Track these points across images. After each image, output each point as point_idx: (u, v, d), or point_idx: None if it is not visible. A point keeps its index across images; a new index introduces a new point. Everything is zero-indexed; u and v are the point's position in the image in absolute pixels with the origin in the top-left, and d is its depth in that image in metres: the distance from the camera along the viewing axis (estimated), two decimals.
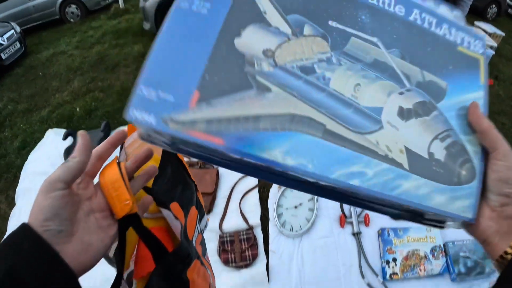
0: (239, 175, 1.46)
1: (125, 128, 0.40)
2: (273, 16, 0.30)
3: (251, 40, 0.29)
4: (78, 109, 2.29)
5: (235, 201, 1.44)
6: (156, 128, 0.26)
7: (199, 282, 0.44)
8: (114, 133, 0.36)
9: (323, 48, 0.30)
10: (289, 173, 0.26)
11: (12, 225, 1.48)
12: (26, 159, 1.76)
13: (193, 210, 0.53)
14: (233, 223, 1.37)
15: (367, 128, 0.28)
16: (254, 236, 1.34)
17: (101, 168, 0.35)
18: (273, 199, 1.39)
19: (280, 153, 0.26)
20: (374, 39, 0.31)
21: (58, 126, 2.06)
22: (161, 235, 0.43)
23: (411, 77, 0.31)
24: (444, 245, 1.16)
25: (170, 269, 0.38)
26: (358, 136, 0.27)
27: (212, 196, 1.42)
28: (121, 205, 0.32)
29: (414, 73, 0.31)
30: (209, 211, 1.42)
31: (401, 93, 0.30)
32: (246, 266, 1.27)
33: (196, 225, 0.55)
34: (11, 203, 1.63)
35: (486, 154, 0.31)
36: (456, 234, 1.18)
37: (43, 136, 1.85)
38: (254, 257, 1.28)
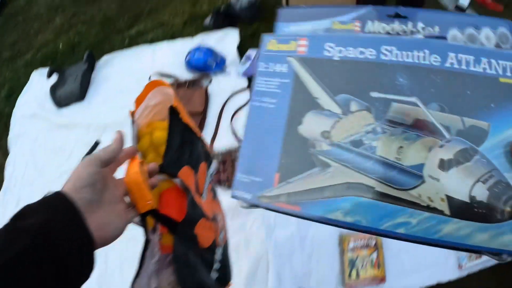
0: (229, 92, 1.42)
1: (135, 146, 0.48)
2: (324, 100, 0.39)
3: (311, 126, 0.39)
4: (61, 46, 2.19)
5: (226, 120, 1.37)
6: (252, 202, 0.40)
7: (205, 234, 0.52)
8: (128, 148, 0.42)
9: (369, 120, 0.37)
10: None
11: (9, 173, 1.51)
12: (14, 106, 1.75)
13: (202, 166, 0.58)
14: (225, 142, 1.31)
15: (409, 185, 0.35)
16: None
17: (126, 165, 0.40)
18: None
19: (341, 213, 0.36)
20: (413, 99, 0.37)
21: (43, 66, 1.98)
22: (175, 195, 0.50)
23: (451, 127, 0.36)
24: None
25: (182, 234, 0.46)
26: (402, 192, 0.35)
27: (201, 115, 1.36)
28: (143, 204, 0.38)
29: (454, 123, 0.36)
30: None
31: (441, 146, 0.36)
32: None
33: (206, 176, 0.61)
34: (5, 153, 1.64)
35: None
36: None
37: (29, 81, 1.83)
38: None
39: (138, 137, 0.52)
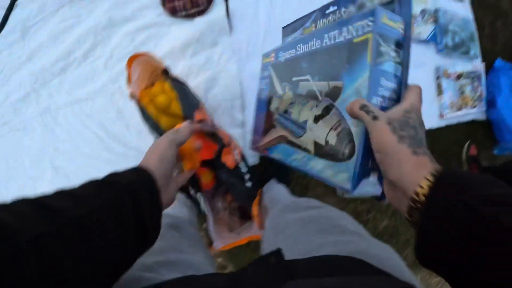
0: None
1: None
2: (277, 88, 0.63)
3: (273, 104, 0.64)
4: None
5: None
6: (252, 150, 0.70)
7: (228, 159, 0.69)
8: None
9: (290, 96, 0.58)
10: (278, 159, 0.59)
11: None
12: None
13: (201, 104, 0.71)
14: None
15: (299, 134, 0.53)
16: None
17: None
18: None
19: (277, 153, 0.60)
20: (307, 77, 0.53)
21: None
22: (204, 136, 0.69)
23: (323, 92, 0.49)
24: (435, 10, 1.15)
25: (218, 166, 0.69)
26: (296, 139, 0.54)
27: None
28: (195, 165, 0.58)
29: (324, 87, 0.49)
30: None
31: (316, 106, 0.50)
32: (200, 13, 1.02)
33: (207, 110, 0.69)
34: None
35: None
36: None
37: None
38: (210, 0, 1.02)
39: (144, 110, 0.67)
